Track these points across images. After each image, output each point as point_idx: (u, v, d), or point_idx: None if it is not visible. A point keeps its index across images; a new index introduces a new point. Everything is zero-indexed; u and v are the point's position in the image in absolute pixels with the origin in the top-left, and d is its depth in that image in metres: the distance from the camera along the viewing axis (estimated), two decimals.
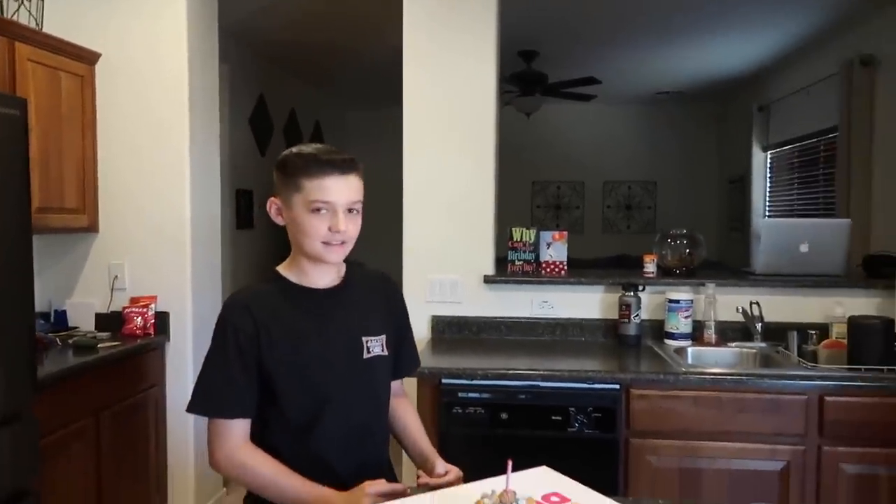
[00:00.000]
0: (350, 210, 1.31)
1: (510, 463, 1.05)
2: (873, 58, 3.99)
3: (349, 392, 1.37)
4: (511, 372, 2.15)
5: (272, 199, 1.37)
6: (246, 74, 4.88)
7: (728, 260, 6.45)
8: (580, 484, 1.14)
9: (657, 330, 2.59)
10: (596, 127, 7.38)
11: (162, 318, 2.84)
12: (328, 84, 6.32)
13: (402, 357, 1.50)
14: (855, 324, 2.21)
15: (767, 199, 5.94)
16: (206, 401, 1.31)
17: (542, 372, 2.14)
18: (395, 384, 1.50)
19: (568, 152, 7.48)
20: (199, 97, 2.92)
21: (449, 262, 2.71)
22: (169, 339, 2.86)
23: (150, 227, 2.84)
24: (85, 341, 2.57)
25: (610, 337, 2.64)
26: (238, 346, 1.30)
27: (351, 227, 1.32)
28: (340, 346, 1.38)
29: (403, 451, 1.51)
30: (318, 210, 1.28)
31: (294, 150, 1.36)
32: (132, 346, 2.64)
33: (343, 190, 1.30)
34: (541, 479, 1.15)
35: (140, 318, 2.79)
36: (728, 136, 7.00)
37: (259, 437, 1.32)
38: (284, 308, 1.35)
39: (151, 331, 2.81)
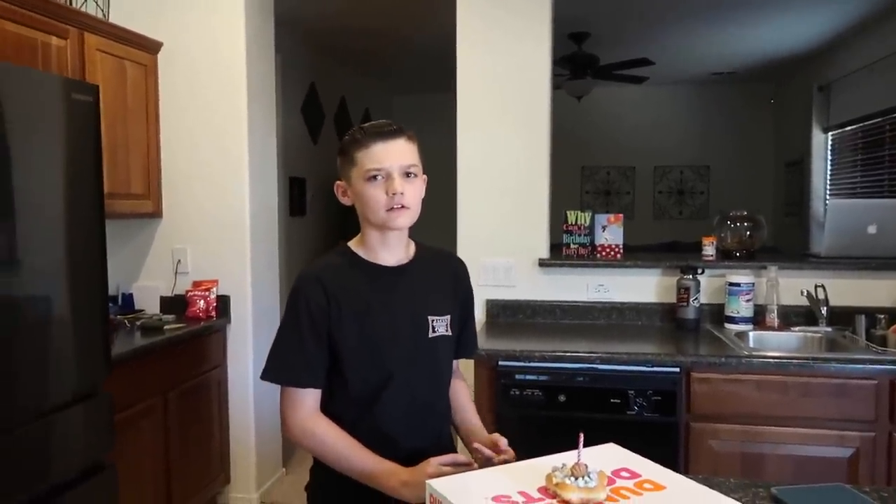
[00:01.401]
0: (407, 174, 1.33)
1: (581, 437, 1.05)
2: None
3: (413, 369, 1.39)
4: (569, 354, 2.14)
5: (338, 182, 1.40)
6: (297, 63, 4.95)
7: (784, 245, 6.27)
8: (649, 460, 1.13)
9: (717, 314, 2.55)
10: (646, 110, 7.24)
11: (223, 302, 2.93)
12: (377, 71, 6.36)
13: (463, 338, 1.52)
14: None
15: (828, 181, 5.74)
16: (281, 369, 1.34)
17: (600, 354, 2.12)
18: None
19: (618, 136, 7.37)
20: (256, 87, 2.98)
21: (503, 245, 2.72)
22: (230, 322, 2.94)
23: (211, 214, 2.92)
24: (152, 323, 2.66)
25: (667, 321, 2.60)
26: (310, 316, 1.33)
27: (409, 190, 1.33)
28: (407, 323, 1.40)
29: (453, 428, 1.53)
30: (374, 178, 1.31)
31: (350, 132, 1.39)
32: (196, 328, 2.72)
33: (393, 153, 1.32)
34: (610, 455, 1.15)
35: (203, 301, 2.88)
36: (784, 117, 6.78)
37: (324, 406, 1.36)
38: (354, 282, 1.37)
39: (214, 313, 2.89)
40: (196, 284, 2.93)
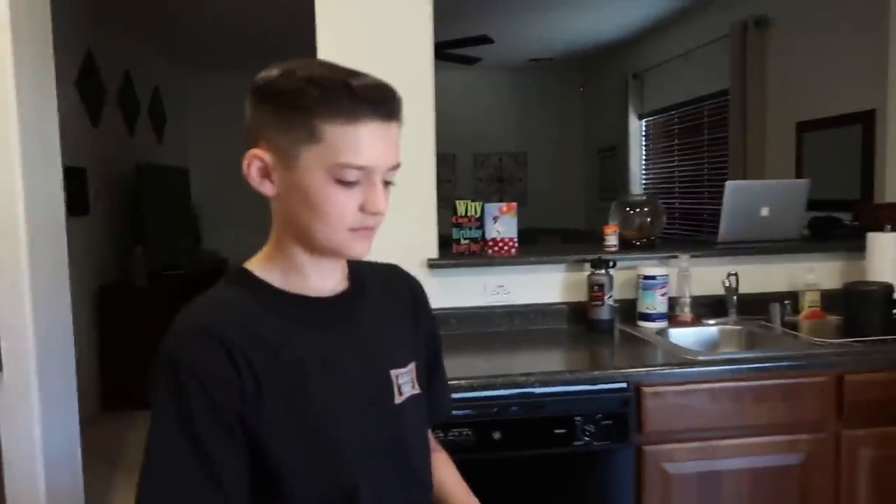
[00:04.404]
0: (385, 181, 0.87)
1: None
2: (767, 19, 3.98)
3: (384, 465, 0.88)
4: (500, 380, 1.71)
5: (254, 151, 0.83)
6: (66, 22, 3.92)
7: (601, 228, 6.47)
8: None
9: (627, 311, 2.28)
10: (466, 97, 7.05)
11: None
12: (166, 43, 5.39)
13: (434, 394, 1.03)
14: (853, 291, 2.03)
15: (642, 167, 5.97)
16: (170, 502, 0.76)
17: (537, 376, 1.72)
18: None
19: (438, 124, 7.10)
20: (27, 48, 2.13)
21: (384, 245, 2.20)
22: (1, 370, 2.09)
23: None
24: None
25: (576, 322, 2.28)
26: (209, 403, 0.77)
27: (386, 204, 0.86)
28: (364, 387, 0.88)
29: None
30: (348, 180, 0.81)
31: (292, 68, 0.82)
32: None
33: (386, 146, 0.83)
34: None
35: None
36: (596, 105, 6.99)
37: None
38: (274, 330, 0.84)
39: None
40: None
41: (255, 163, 0.84)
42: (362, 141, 0.80)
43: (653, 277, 2.20)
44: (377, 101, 0.82)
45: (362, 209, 0.84)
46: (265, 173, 0.85)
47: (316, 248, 0.87)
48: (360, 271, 0.97)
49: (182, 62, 6.05)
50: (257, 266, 0.90)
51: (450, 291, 2.27)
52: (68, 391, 2.36)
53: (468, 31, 4.77)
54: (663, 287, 2.21)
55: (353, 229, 0.84)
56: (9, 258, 2.08)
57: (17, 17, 2.08)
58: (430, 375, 1.02)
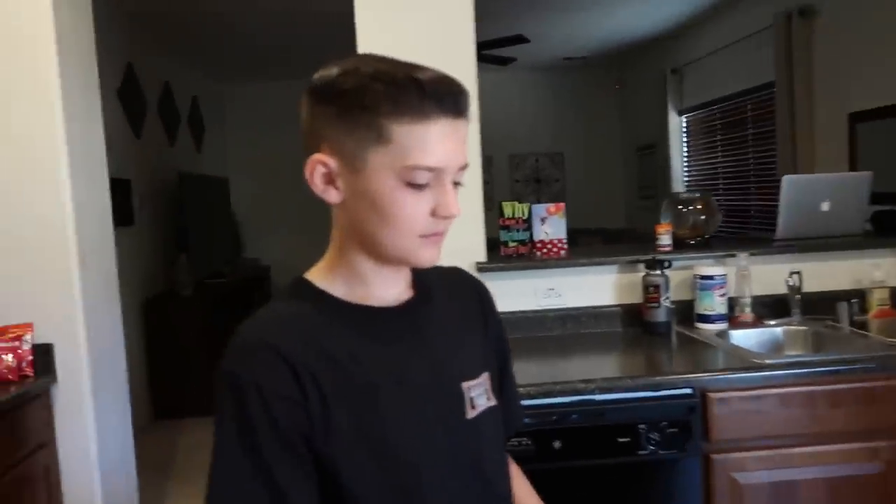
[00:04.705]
0: (455, 182, 0.81)
1: None
2: (812, 8, 3.85)
3: (458, 479, 0.83)
4: (558, 387, 1.65)
5: (317, 156, 0.79)
6: (109, 34, 3.98)
7: (642, 227, 6.34)
8: None
9: (683, 313, 2.20)
10: (500, 98, 6.99)
11: (43, 353, 2.08)
12: (204, 55, 5.44)
13: (505, 401, 0.98)
14: None
15: (684, 164, 5.84)
16: None
17: (598, 382, 1.66)
18: None
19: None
20: (72, 62, 2.15)
21: None
22: (56, 381, 2.10)
23: (12, 229, 2.06)
24: None
25: (631, 325, 2.21)
26: (274, 424, 0.73)
27: (458, 206, 0.80)
28: (435, 402, 0.84)
29: None
30: (418, 183, 0.76)
31: (353, 65, 0.78)
32: (1, 398, 1.87)
33: (456, 146, 0.78)
34: None
35: (10, 355, 2.02)
36: (633, 102, 6.87)
37: None
38: (337, 344, 0.79)
39: (29, 371, 2.04)
40: None
41: (318, 169, 0.79)
42: (432, 140, 0.75)
43: (710, 277, 2.12)
44: (445, 96, 0.76)
45: (433, 213, 0.78)
46: (329, 179, 0.79)
47: (382, 256, 0.81)
48: (424, 277, 0.91)
49: (219, 73, 6.10)
50: (318, 276, 0.85)
51: (500, 295, 2.17)
52: (122, 400, 2.37)
53: (502, 32, 4.72)
54: (722, 287, 2.12)
55: (424, 235, 0.79)
56: (60, 270, 2.09)
57: (62, 31, 2.10)
58: (501, 383, 0.97)
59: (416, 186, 0.76)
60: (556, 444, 1.62)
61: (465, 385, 0.86)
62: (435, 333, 0.87)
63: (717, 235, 2.50)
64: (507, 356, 1.01)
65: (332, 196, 0.80)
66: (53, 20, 2.05)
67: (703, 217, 2.35)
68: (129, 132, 4.33)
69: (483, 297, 0.99)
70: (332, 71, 0.78)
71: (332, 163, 0.78)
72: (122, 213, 4.09)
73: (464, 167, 0.80)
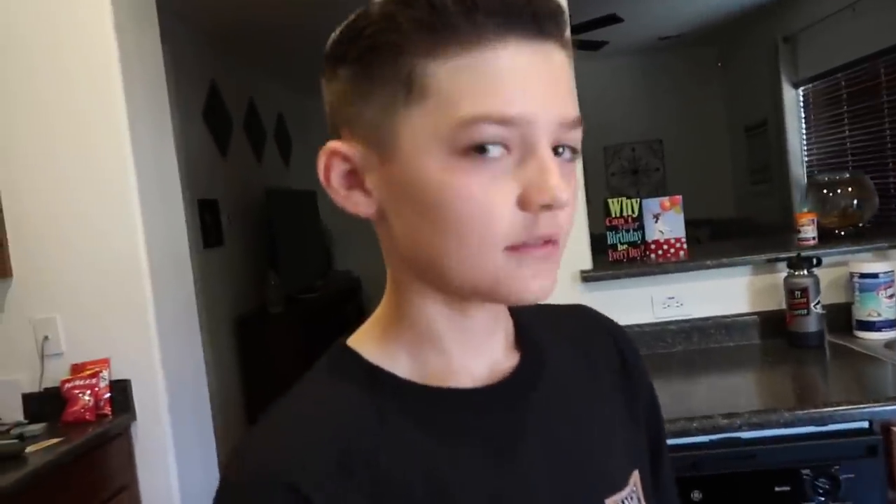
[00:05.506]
0: (560, 148, 0.48)
1: None
2: None
3: None
4: (695, 424, 1.34)
5: (331, 145, 0.51)
6: (190, 56, 3.96)
7: (756, 216, 5.77)
8: None
9: (838, 320, 1.82)
10: (590, 86, 6.59)
11: (121, 390, 1.97)
12: (286, 70, 5.40)
13: (657, 493, 0.66)
14: None
15: (803, 142, 5.25)
16: None
17: (746, 417, 1.34)
18: None
19: None
20: (138, 85, 2.03)
21: None
22: (136, 418, 1.99)
23: (88, 264, 1.97)
24: (5, 446, 1.69)
25: (770, 337, 1.86)
26: None
27: (571, 192, 0.48)
28: None
29: None
30: (486, 147, 0.45)
31: (362, 9, 0.49)
32: (80, 440, 1.76)
33: (548, 85, 0.46)
34: None
35: (89, 393, 1.92)
36: (737, 78, 6.30)
37: None
38: (404, 460, 0.49)
39: (108, 409, 1.94)
40: (76, 369, 1.96)
41: (335, 165, 0.51)
42: (500, 74, 0.45)
43: (873, 276, 1.74)
44: (515, 6, 0.45)
45: (524, 203, 0.46)
46: (352, 179, 0.51)
47: (453, 290, 0.50)
48: (528, 326, 0.60)
49: (303, 86, 6.07)
50: (369, 341, 0.55)
51: (610, 308, 1.89)
52: (205, 430, 2.25)
53: (592, 13, 4.37)
54: (888, 286, 1.73)
55: (514, 247, 0.47)
56: (135, 300, 1.98)
57: (127, 53, 1.98)
58: (655, 474, 0.64)
59: (483, 155, 0.45)
60: (696, 496, 1.32)
61: (609, 501, 0.57)
62: (558, 424, 0.56)
63: (869, 224, 2.10)
64: (661, 434, 0.68)
65: (361, 204, 0.51)
66: (117, 44, 1.94)
67: (855, 201, 1.96)
68: (215, 151, 4.31)
69: (623, 348, 0.68)
70: (343, 24, 0.53)
71: (354, 152, 0.50)
72: (212, 234, 4.06)
73: (572, 123, 0.48)
